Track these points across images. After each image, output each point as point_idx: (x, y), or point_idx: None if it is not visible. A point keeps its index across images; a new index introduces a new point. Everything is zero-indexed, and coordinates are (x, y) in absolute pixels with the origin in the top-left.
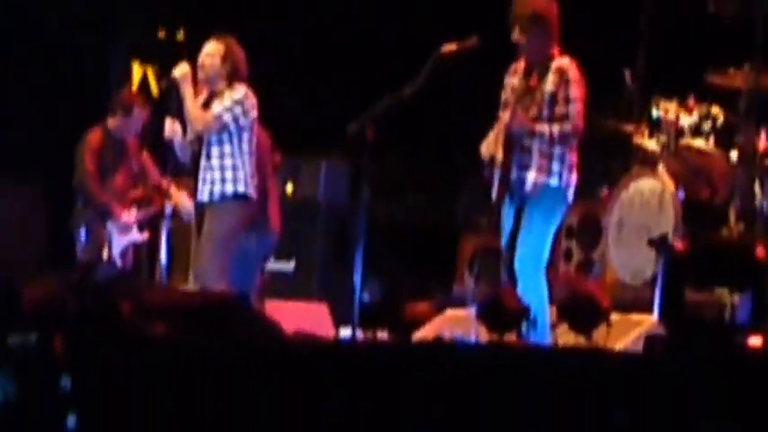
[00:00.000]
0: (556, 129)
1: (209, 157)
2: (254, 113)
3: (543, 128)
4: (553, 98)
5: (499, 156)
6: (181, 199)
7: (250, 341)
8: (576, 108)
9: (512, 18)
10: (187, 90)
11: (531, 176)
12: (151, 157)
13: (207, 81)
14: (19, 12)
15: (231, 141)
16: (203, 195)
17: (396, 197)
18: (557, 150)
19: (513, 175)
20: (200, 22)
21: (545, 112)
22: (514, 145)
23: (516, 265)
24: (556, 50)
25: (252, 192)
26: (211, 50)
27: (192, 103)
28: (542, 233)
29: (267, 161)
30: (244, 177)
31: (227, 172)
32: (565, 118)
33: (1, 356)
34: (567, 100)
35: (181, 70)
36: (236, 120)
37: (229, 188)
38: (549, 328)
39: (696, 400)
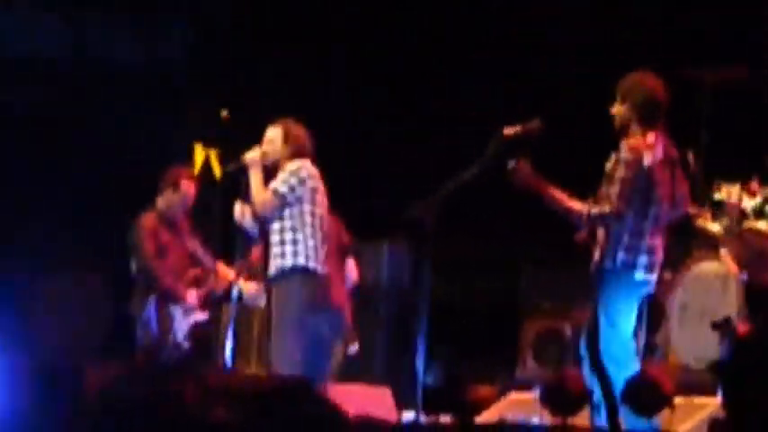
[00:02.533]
0: (595, 210)
1: (271, 233)
2: (312, 183)
3: (576, 206)
4: (608, 177)
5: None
6: (244, 284)
7: (315, 425)
8: (617, 189)
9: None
10: (255, 174)
11: (595, 256)
12: (203, 240)
13: (273, 167)
14: (82, 99)
15: (291, 214)
16: (270, 272)
17: (458, 280)
18: (613, 231)
19: (599, 262)
20: (263, 104)
21: (603, 192)
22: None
23: (600, 354)
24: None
25: (316, 265)
26: (271, 136)
27: (259, 188)
28: (609, 317)
29: (335, 242)
30: (305, 251)
31: (287, 246)
32: (607, 199)
33: None
34: (618, 180)
35: (252, 154)
36: (292, 189)
37: (289, 262)
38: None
39: None
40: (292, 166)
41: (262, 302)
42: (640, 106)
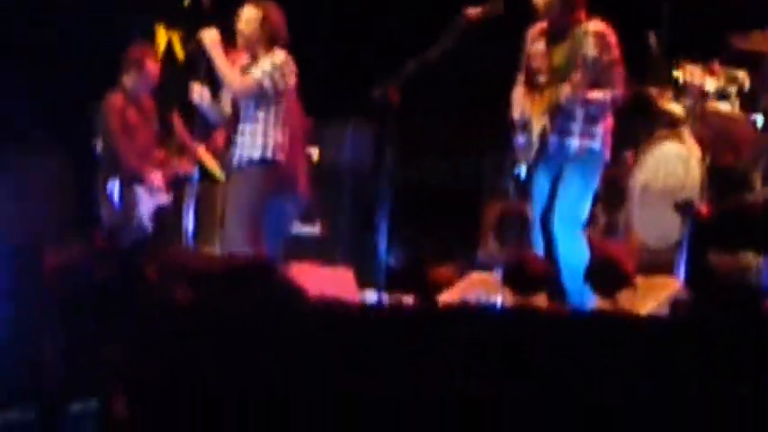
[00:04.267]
0: (608, 95)
1: (241, 122)
2: (292, 80)
3: (598, 96)
4: (596, 63)
5: (537, 122)
6: (210, 162)
7: (275, 305)
8: (620, 73)
9: None
10: (217, 54)
11: (576, 142)
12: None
13: (246, 47)
14: None
15: (267, 107)
16: (233, 160)
17: (420, 161)
18: (600, 115)
19: (553, 140)
20: None
21: (588, 78)
22: (560, 112)
23: (556, 228)
24: (583, 13)
25: (280, 157)
26: (249, 16)
27: (225, 68)
28: (582, 195)
29: (298, 127)
30: (273, 144)
31: (257, 138)
32: (608, 83)
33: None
34: (611, 64)
35: (209, 35)
36: (275, 85)
37: (257, 154)
38: (587, 291)
39: (721, 362)
40: (277, 59)
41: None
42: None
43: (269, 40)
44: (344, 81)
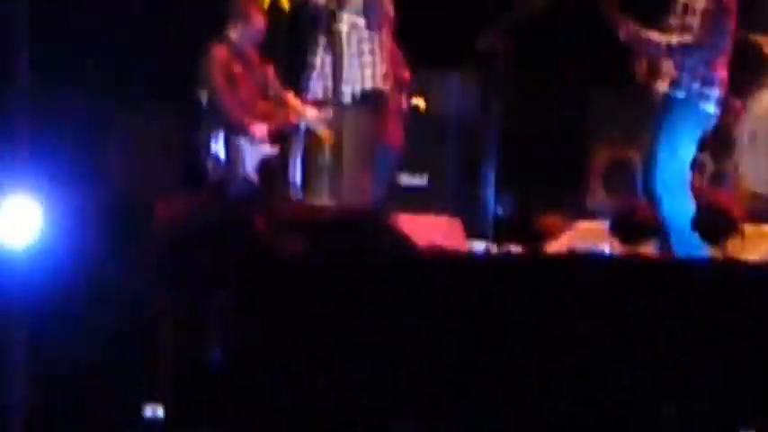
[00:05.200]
0: (673, 39)
1: (345, 55)
2: (391, 10)
3: (653, 36)
4: (684, 7)
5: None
6: (308, 112)
7: (384, 255)
8: (701, 20)
9: None
10: None
11: (662, 87)
12: (277, 73)
13: None
14: None
15: (370, 37)
16: (341, 96)
17: (527, 109)
18: (685, 62)
19: (647, 85)
20: None
21: (674, 22)
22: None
23: (655, 182)
24: None
25: (388, 90)
26: None
27: None
28: (673, 147)
29: (395, 75)
30: (381, 74)
31: (366, 69)
32: (691, 29)
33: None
34: (694, 11)
35: None
36: (379, 7)
37: (368, 84)
38: (697, 241)
39: None
40: None
41: (324, 131)
42: None
43: None
44: (451, 30)
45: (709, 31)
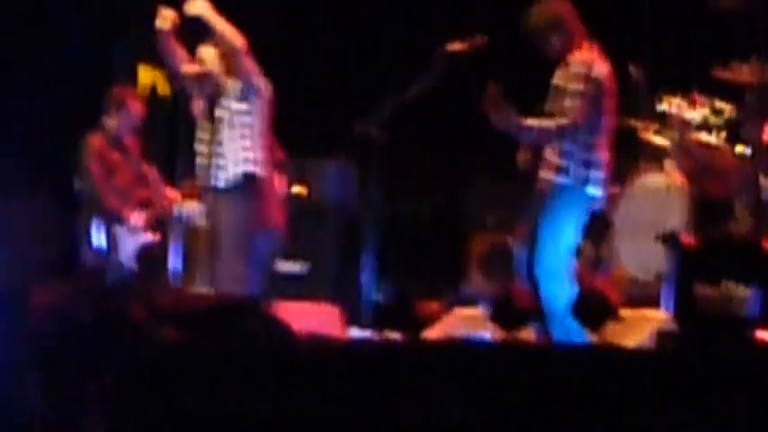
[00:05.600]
0: (548, 123)
1: (221, 134)
2: (269, 96)
3: (531, 123)
4: (560, 92)
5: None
6: (186, 203)
7: (261, 343)
8: (576, 103)
9: (528, 31)
10: (211, 15)
11: (547, 175)
12: (151, 163)
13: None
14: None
15: (251, 118)
16: (217, 181)
17: (404, 197)
18: (564, 147)
19: (533, 173)
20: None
21: (553, 107)
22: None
23: (537, 267)
24: (577, 44)
25: (264, 174)
26: (204, 56)
27: (224, 25)
28: (557, 233)
29: (271, 158)
30: (254, 157)
31: (239, 153)
32: (563, 112)
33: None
34: (573, 94)
35: (196, 4)
36: (258, 92)
37: (240, 169)
38: (577, 327)
39: (707, 394)
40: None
41: (201, 221)
42: (563, 32)
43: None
44: (327, 118)
45: (586, 113)
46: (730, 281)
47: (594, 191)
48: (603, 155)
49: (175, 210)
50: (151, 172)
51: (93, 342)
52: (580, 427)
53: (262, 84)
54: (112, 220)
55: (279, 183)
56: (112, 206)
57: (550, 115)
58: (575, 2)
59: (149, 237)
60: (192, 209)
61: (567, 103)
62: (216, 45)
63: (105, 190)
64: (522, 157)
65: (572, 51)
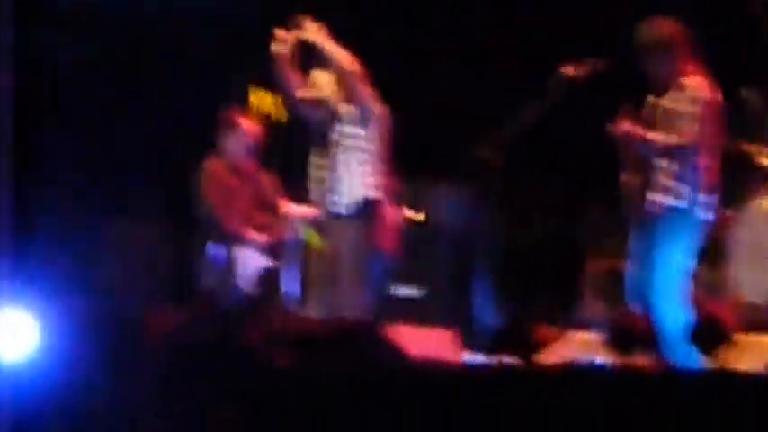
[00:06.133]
0: (670, 139)
1: (342, 161)
2: (386, 121)
3: (653, 136)
4: (677, 115)
5: (630, 179)
6: (301, 212)
7: (376, 368)
8: (694, 125)
9: (639, 51)
10: (325, 40)
11: (661, 199)
12: (273, 183)
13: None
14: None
15: (368, 143)
16: (334, 206)
17: (521, 221)
18: (681, 170)
19: (643, 198)
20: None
21: (666, 130)
22: (641, 163)
23: (649, 293)
24: (687, 68)
25: (382, 198)
26: (317, 80)
27: (336, 49)
28: (669, 256)
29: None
30: (374, 183)
31: (359, 177)
32: (682, 133)
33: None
34: (693, 117)
35: (311, 29)
36: (375, 117)
37: (364, 194)
38: (693, 351)
39: None
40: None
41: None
42: (673, 54)
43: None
44: (445, 143)
45: (704, 135)
46: None
47: (706, 214)
48: (714, 179)
49: (294, 231)
50: (271, 192)
51: (212, 368)
52: None
53: (378, 109)
54: (233, 242)
55: (395, 209)
56: (233, 229)
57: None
58: (690, 22)
59: (269, 260)
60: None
61: (684, 126)
62: (331, 69)
63: (225, 213)
64: (626, 179)
65: (683, 75)
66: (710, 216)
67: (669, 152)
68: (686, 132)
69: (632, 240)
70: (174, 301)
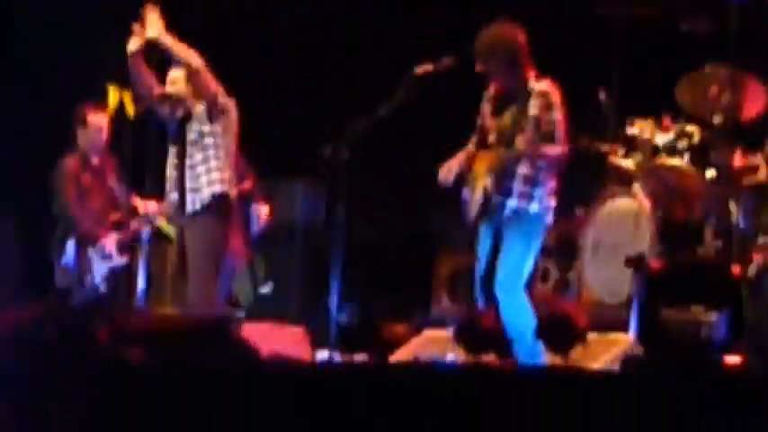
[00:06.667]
0: (553, 150)
1: (199, 159)
2: (236, 118)
3: (543, 150)
4: (538, 122)
5: (480, 181)
6: (163, 220)
7: (228, 365)
8: (561, 132)
9: (474, 51)
10: (168, 39)
11: (514, 203)
12: (121, 179)
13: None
14: None
15: (219, 138)
16: (193, 205)
17: (371, 218)
18: (540, 176)
19: (494, 200)
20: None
21: (531, 138)
22: (502, 172)
23: (496, 288)
24: (531, 74)
25: (232, 193)
26: (174, 78)
27: (181, 47)
28: (521, 257)
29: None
30: (225, 178)
31: (212, 174)
32: (550, 141)
33: None
34: (552, 123)
35: (153, 29)
36: (224, 112)
37: (214, 189)
38: (538, 348)
39: (673, 419)
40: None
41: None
42: (510, 60)
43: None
44: (295, 138)
45: (566, 140)
46: (697, 305)
47: (549, 217)
48: (556, 183)
49: (143, 229)
50: (118, 187)
51: (60, 365)
52: None
53: (227, 103)
54: (86, 243)
55: (261, 208)
56: (86, 230)
57: (510, 141)
58: (541, 26)
59: (121, 260)
60: (157, 213)
61: (553, 132)
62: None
63: (79, 213)
64: (446, 172)
65: (525, 79)
66: (551, 219)
67: (520, 158)
68: (532, 139)
69: (482, 239)
70: (25, 299)
